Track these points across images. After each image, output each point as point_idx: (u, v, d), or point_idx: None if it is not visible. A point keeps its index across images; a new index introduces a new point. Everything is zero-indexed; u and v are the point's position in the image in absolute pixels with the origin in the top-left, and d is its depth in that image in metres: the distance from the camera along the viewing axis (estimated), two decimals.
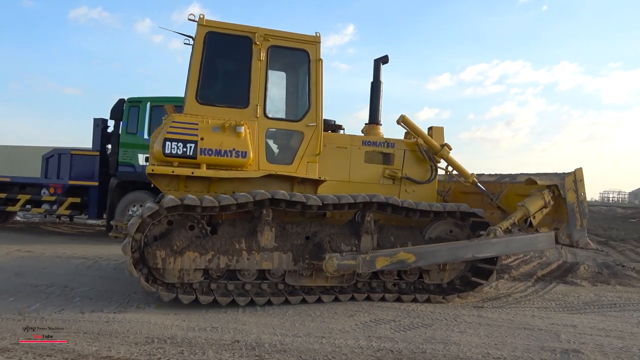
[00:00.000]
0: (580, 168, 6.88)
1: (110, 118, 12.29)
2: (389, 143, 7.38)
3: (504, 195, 7.40)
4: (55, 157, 12.61)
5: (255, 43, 6.52)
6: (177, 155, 6.08)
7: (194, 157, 6.12)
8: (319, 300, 6.25)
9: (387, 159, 7.33)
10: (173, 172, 6.12)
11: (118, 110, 12.11)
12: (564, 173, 6.97)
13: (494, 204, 7.46)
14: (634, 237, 16.37)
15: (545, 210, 6.83)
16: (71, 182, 12.45)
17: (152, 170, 6.11)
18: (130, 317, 5.27)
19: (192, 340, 4.59)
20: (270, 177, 6.51)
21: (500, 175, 8.04)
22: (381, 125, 7.58)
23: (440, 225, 6.89)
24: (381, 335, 5.01)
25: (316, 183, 6.77)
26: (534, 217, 6.78)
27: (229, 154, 6.23)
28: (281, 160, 6.71)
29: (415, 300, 6.56)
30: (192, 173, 6.15)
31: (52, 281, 6.90)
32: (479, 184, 7.59)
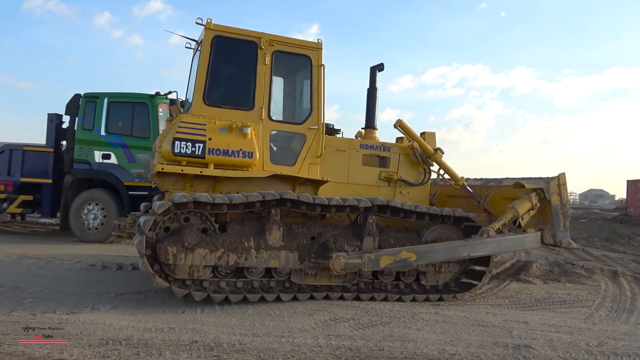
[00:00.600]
0: (564, 173, 7.26)
1: (66, 113, 11.93)
2: (385, 147, 7.67)
3: (490, 198, 7.78)
4: (6, 153, 12.14)
5: (261, 48, 6.72)
6: (185, 155, 6.22)
7: (202, 156, 6.29)
8: (327, 297, 6.43)
9: (383, 162, 7.60)
10: (182, 170, 6.26)
11: (74, 105, 11.77)
12: (548, 177, 7.33)
13: (481, 206, 7.80)
14: (584, 236, 17.03)
15: (532, 212, 7.20)
16: (23, 179, 12.02)
17: (162, 169, 6.22)
18: (84, 318, 5.13)
19: (148, 341, 4.51)
20: (273, 177, 6.69)
21: (486, 179, 8.45)
22: (377, 129, 7.89)
23: (438, 229, 7.13)
24: (340, 333, 5.05)
25: (317, 184, 6.99)
26: (522, 219, 7.15)
27: (236, 154, 6.42)
28: (284, 162, 6.88)
29: (414, 300, 6.77)
30: (201, 172, 6.32)
31: (1, 282, 6.64)
32: (467, 187, 7.92)
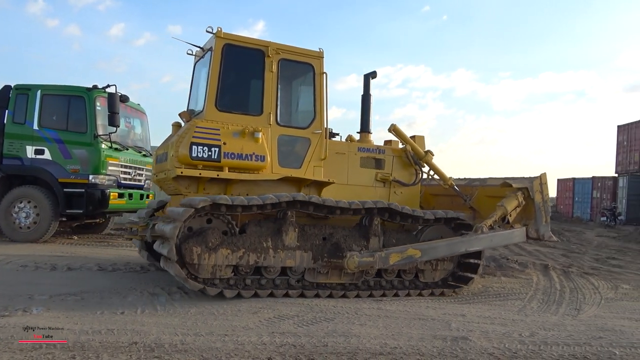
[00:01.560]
0: (545, 173, 7.84)
1: None
2: (380, 150, 8.20)
3: (475, 196, 8.36)
4: None
5: (268, 56, 7.07)
6: (202, 159, 6.52)
7: (218, 160, 6.60)
8: (344, 296, 6.74)
9: (379, 164, 8.12)
10: (200, 174, 6.55)
11: (3, 98, 11.13)
12: (531, 177, 7.96)
13: (467, 204, 8.35)
14: None
15: (518, 209, 7.76)
16: None
17: (181, 173, 6.47)
18: (15, 321, 4.88)
19: (85, 344, 4.34)
20: (281, 179, 7.07)
21: (471, 179, 9.07)
22: (371, 133, 8.37)
23: (434, 229, 7.57)
24: (284, 330, 5.06)
25: (321, 185, 7.41)
26: (510, 215, 7.68)
27: (249, 157, 6.75)
28: (291, 164, 7.23)
29: (420, 295, 7.22)
30: (218, 175, 6.62)
31: None
32: (455, 186, 8.44)
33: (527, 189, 7.74)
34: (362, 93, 8.33)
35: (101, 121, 11.01)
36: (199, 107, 7.32)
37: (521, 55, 64.42)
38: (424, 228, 7.53)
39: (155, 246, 6.54)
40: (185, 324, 5.14)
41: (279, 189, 7.04)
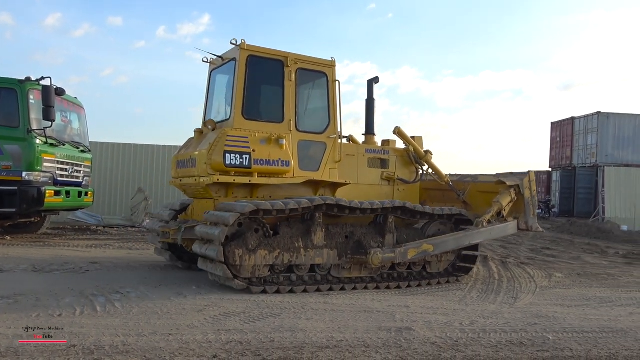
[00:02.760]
0: (532, 171, 8.71)
1: None
2: (385, 150, 8.84)
3: (468, 192, 9.05)
4: None
5: (287, 65, 7.48)
6: (235, 166, 6.89)
7: (249, 167, 6.98)
8: (365, 288, 7.26)
9: (384, 164, 8.77)
10: (234, 180, 6.95)
11: None
12: (521, 174, 8.74)
13: (460, 199, 9.02)
14: None
15: (511, 204, 8.47)
16: None
17: (218, 180, 6.82)
18: None
19: (19, 349, 4.14)
20: (303, 182, 7.50)
21: (462, 175, 9.72)
22: (375, 135, 8.93)
23: (437, 224, 8.28)
24: (230, 328, 5.01)
25: (336, 186, 7.85)
26: (505, 210, 8.39)
27: (276, 163, 7.16)
28: (310, 167, 7.65)
29: (429, 285, 7.84)
30: (250, 181, 7.03)
31: None
32: (450, 183, 9.09)
33: (519, 186, 8.46)
34: (366, 98, 8.88)
35: (35, 115, 10.49)
36: (221, 115, 7.75)
37: (463, 54, 66.55)
38: (429, 223, 8.21)
39: (196, 248, 6.80)
40: (127, 324, 4.99)
41: (299, 191, 7.50)
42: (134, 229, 13.82)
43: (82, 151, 12.06)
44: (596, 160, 25.43)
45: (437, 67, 69.53)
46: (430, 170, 9.07)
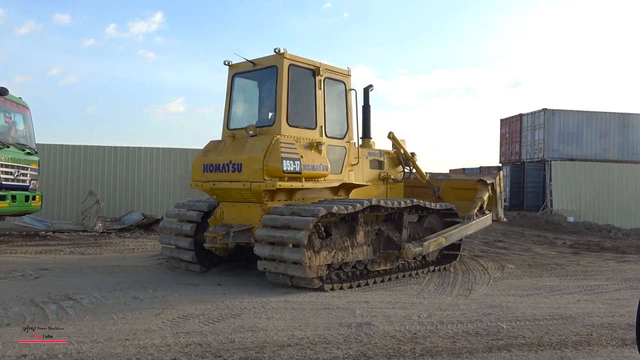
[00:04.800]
0: (501, 171, 10.97)
1: None
2: (381, 153, 9.63)
3: (442, 189, 10.25)
4: None
5: (319, 74, 7.97)
6: (289, 172, 7.23)
7: (299, 172, 7.37)
8: (394, 278, 8.05)
9: (380, 165, 9.53)
10: (292, 186, 7.37)
11: None
12: (493, 174, 10.54)
13: (436, 195, 10.16)
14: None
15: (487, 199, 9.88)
16: None
17: (279, 186, 7.16)
18: None
19: None
20: (321, 183, 7.92)
21: (433, 173, 10.83)
22: (372, 138, 9.57)
23: (432, 217, 9.31)
24: (190, 330, 4.93)
25: (351, 187, 8.49)
26: (485, 204, 9.84)
27: (318, 168, 7.65)
28: (335, 171, 8.15)
29: (434, 272, 8.77)
30: (302, 186, 7.52)
31: None
32: (429, 181, 10.21)
33: (493, 184, 9.95)
34: (362, 104, 9.41)
35: None
36: (249, 120, 8.14)
37: (417, 53, 67.97)
38: (424, 217, 9.13)
39: (262, 251, 6.93)
40: (81, 331, 4.83)
41: (324, 193, 8.10)
42: (85, 234, 13.36)
43: (29, 153, 11.57)
44: (543, 155, 26.36)
45: (391, 65, 70.82)
46: (413, 170, 9.99)
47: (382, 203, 7.72)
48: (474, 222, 9.23)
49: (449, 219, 9.41)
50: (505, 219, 10.23)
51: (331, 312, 5.79)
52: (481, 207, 9.71)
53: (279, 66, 7.58)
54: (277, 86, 7.59)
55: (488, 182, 9.89)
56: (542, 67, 73.68)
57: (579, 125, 26.93)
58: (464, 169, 33.91)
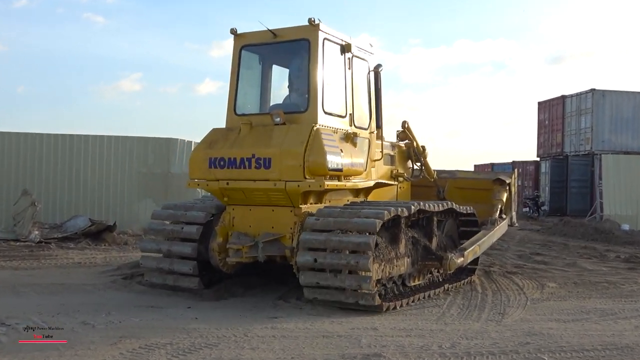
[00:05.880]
0: (515, 170, 11.14)
1: None
2: (393, 146, 9.74)
3: (447, 188, 10.52)
4: None
5: (349, 51, 7.98)
6: (333, 169, 7.25)
7: (341, 169, 7.42)
8: (433, 294, 8.35)
9: (392, 160, 9.62)
10: (337, 186, 7.51)
11: None
12: (507, 173, 11.15)
13: (441, 195, 10.40)
14: None
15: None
16: None
17: (328, 186, 7.23)
18: None
19: None
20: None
21: (439, 171, 11.02)
22: (381, 128, 9.26)
23: (451, 222, 9.64)
24: None
25: (369, 189, 8.55)
26: (504, 207, 10.37)
27: (356, 164, 7.78)
28: (359, 167, 8.13)
29: (454, 289, 8.98)
30: (345, 186, 7.70)
31: None
32: (436, 180, 10.54)
33: (510, 184, 10.51)
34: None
35: None
36: (284, 105, 8.17)
37: (434, 20, 68.00)
38: (443, 222, 9.38)
39: (306, 259, 6.97)
40: None
41: (347, 195, 8.20)
42: (18, 243, 13.33)
43: None
44: (591, 147, 26.37)
45: (401, 35, 70.90)
46: (422, 167, 10.28)
47: (426, 206, 7.94)
48: (497, 227, 9.72)
49: (464, 226, 9.85)
50: (517, 224, 11.05)
51: (331, 340, 5.84)
52: (500, 211, 10.27)
53: (313, 40, 7.59)
54: (311, 65, 7.63)
55: (507, 181, 10.53)
56: (589, 39, 74.20)
57: (636, 109, 26.94)
58: (492, 165, 34.07)
